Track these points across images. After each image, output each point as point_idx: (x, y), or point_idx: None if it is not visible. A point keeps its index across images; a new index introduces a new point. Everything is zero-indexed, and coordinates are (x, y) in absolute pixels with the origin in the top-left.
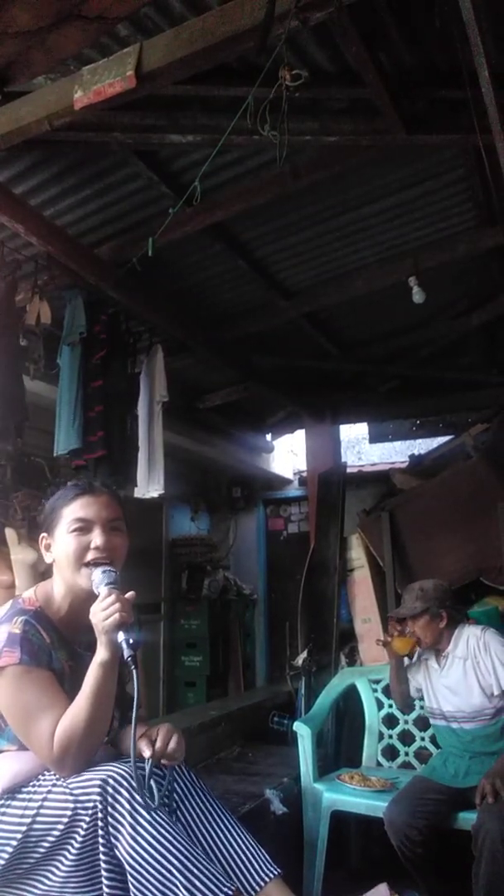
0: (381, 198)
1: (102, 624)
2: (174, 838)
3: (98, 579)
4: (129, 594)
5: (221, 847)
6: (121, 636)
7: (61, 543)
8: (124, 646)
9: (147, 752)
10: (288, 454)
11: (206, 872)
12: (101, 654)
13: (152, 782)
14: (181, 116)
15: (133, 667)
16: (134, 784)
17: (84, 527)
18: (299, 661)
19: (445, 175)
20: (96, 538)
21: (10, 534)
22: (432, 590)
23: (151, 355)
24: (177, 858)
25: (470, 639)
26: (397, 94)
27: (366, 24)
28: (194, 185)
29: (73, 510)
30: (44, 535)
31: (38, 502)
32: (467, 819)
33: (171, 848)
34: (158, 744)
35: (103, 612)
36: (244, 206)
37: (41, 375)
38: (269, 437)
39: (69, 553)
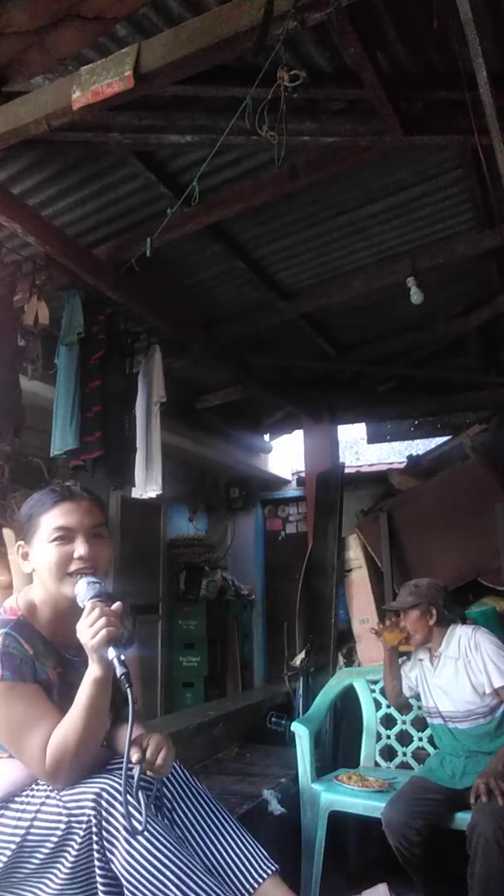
0: (379, 198)
1: (91, 642)
2: (170, 851)
3: (82, 593)
4: (116, 605)
5: (218, 845)
6: (111, 653)
7: (41, 553)
8: (116, 663)
9: (135, 757)
10: (286, 454)
11: (203, 886)
12: (93, 670)
13: (140, 794)
14: (179, 117)
15: (127, 685)
16: (131, 799)
17: (65, 535)
18: (297, 661)
19: (443, 176)
20: (79, 547)
21: (7, 534)
22: (425, 587)
23: (149, 356)
24: (173, 873)
25: (461, 638)
26: (395, 95)
27: (364, 25)
28: (192, 186)
29: (53, 518)
30: (20, 543)
31: None
32: (464, 819)
33: (167, 862)
34: (148, 755)
35: (90, 630)
36: (242, 207)
37: (39, 376)
38: (267, 437)
39: (50, 564)
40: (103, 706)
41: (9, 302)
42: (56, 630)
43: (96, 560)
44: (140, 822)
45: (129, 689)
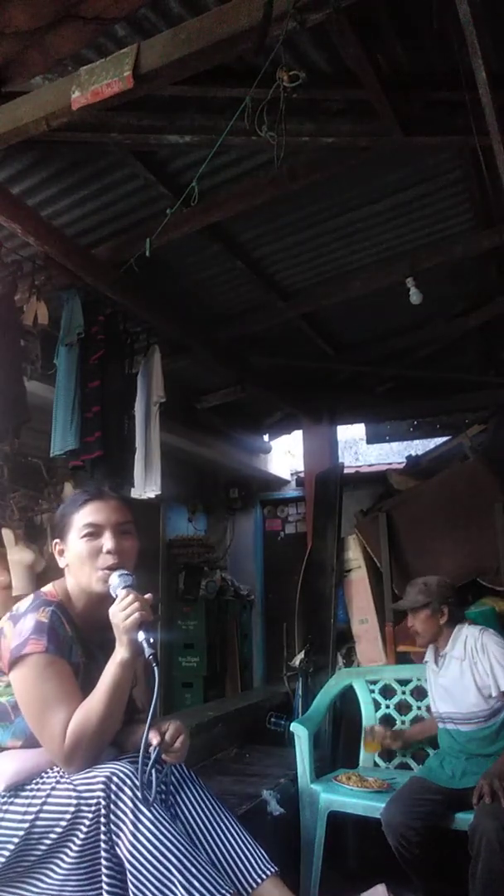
0: (378, 199)
1: (123, 623)
2: (175, 838)
3: (116, 583)
4: (148, 595)
5: (218, 844)
6: (141, 635)
7: (74, 548)
8: (145, 645)
9: (155, 740)
10: (285, 455)
11: (205, 874)
12: (120, 652)
13: (153, 773)
14: (179, 117)
15: (155, 664)
16: (137, 782)
17: (95, 531)
18: (296, 661)
19: (443, 176)
20: (107, 542)
21: (6, 534)
22: (436, 585)
23: (149, 356)
24: (177, 858)
25: (468, 639)
26: (395, 96)
27: (363, 26)
28: (192, 186)
29: (84, 516)
30: (56, 541)
31: (35, 503)
32: (464, 820)
33: (171, 848)
34: (167, 737)
35: (123, 612)
36: (242, 207)
37: (38, 376)
38: (266, 437)
39: (82, 557)
40: (125, 689)
41: (10, 302)
42: (84, 621)
43: (123, 554)
44: (150, 794)
45: (155, 668)
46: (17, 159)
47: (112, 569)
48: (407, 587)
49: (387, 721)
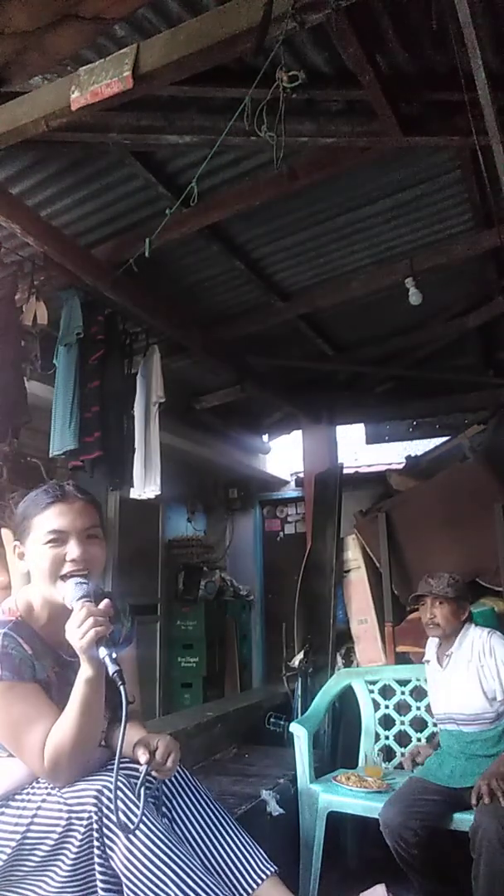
0: (377, 199)
1: (79, 643)
2: (170, 849)
3: (71, 594)
4: (104, 604)
5: (217, 845)
6: (102, 651)
7: (35, 555)
8: (107, 661)
9: (143, 759)
10: (284, 455)
11: (202, 885)
12: (84, 670)
13: (142, 790)
14: (178, 117)
15: (120, 682)
16: (130, 795)
17: (59, 538)
18: (296, 662)
19: (442, 177)
20: (72, 550)
21: (5, 534)
22: (462, 583)
23: (148, 356)
24: (172, 871)
25: (475, 641)
26: (394, 96)
27: (363, 26)
28: (191, 186)
29: (47, 520)
30: (16, 543)
31: None
32: (463, 820)
33: (166, 860)
34: (158, 756)
35: (78, 630)
36: (241, 208)
37: (37, 376)
38: (265, 438)
39: (44, 567)
40: (96, 705)
41: (11, 302)
42: (52, 631)
43: (90, 561)
44: (134, 820)
45: (122, 687)
46: (17, 159)
47: (75, 575)
48: (429, 578)
49: (386, 722)
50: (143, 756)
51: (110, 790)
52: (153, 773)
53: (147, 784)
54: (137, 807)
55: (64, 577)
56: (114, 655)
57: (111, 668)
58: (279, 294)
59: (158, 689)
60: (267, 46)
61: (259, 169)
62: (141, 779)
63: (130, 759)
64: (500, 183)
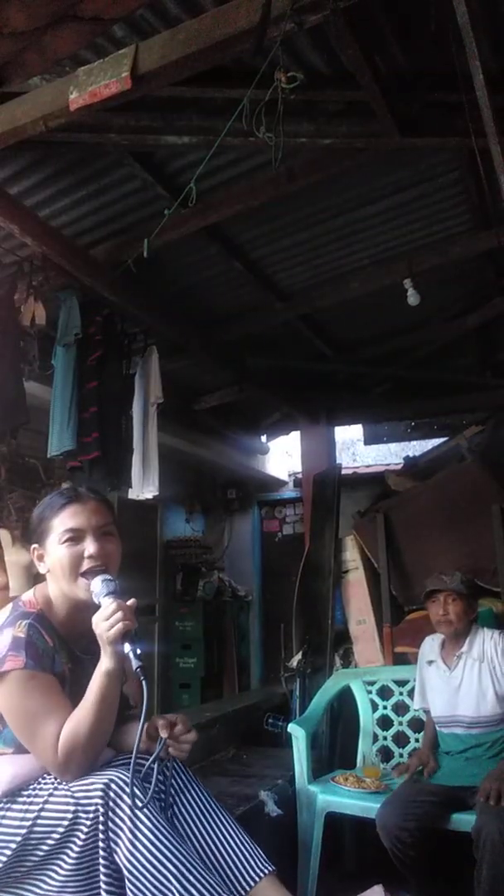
0: (376, 200)
1: (107, 634)
2: (173, 845)
3: (98, 589)
4: (131, 601)
5: (216, 843)
6: (127, 647)
7: (54, 555)
8: (132, 656)
9: (164, 733)
10: (283, 456)
11: (203, 881)
12: (105, 663)
13: (153, 768)
14: (177, 118)
15: (143, 677)
16: (136, 790)
17: (75, 536)
18: (294, 662)
19: (440, 178)
20: (89, 547)
21: (4, 535)
22: (472, 581)
23: (146, 357)
24: (174, 866)
25: (486, 642)
26: (393, 97)
27: (361, 27)
28: (190, 187)
29: (63, 520)
30: (35, 546)
31: (32, 504)
32: (462, 820)
33: (169, 855)
34: (177, 729)
35: (106, 623)
36: (240, 208)
37: (36, 376)
38: (264, 438)
39: (63, 564)
40: (114, 698)
41: (9, 302)
42: (68, 627)
43: (107, 557)
44: (142, 800)
45: (143, 682)
46: (15, 160)
47: (95, 573)
48: (441, 575)
49: (384, 722)
50: (163, 730)
51: (117, 784)
52: (170, 750)
53: (158, 764)
54: (148, 789)
55: (84, 574)
56: (138, 651)
57: (135, 664)
58: (278, 294)
59: (156, 689)
60: (265, 47)
61: (258, 169)
62: (157, 752)
63: (143, 752)
64: (499, 184)
